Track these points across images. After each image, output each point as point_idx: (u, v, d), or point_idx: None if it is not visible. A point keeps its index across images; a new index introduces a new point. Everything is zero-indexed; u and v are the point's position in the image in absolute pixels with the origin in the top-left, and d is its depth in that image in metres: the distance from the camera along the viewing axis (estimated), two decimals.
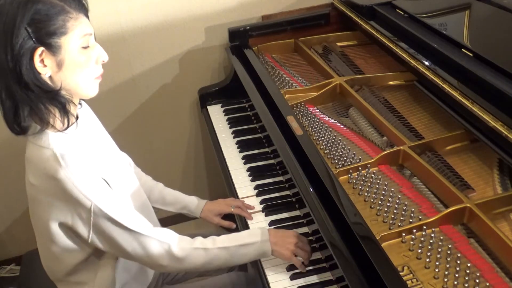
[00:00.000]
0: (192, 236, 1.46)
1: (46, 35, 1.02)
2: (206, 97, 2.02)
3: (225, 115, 1.93)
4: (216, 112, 1.96)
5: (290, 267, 1.29)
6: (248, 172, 1.64)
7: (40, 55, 1.03)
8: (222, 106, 1.99)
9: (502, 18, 1.52)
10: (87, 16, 1.10)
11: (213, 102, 2.02)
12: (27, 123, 1.08)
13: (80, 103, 1.22)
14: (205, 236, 1.63)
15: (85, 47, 1.08)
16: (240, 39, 1.96)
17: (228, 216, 1.53)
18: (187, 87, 2.14)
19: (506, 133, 1.13)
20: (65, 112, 1.10)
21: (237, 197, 1.55)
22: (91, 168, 1.11)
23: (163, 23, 1.98)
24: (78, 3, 1.07)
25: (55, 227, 1.15)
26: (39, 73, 1.04)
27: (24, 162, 1.13)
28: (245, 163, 1.68)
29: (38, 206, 1.14)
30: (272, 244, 1.25)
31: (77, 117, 1.16)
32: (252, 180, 1.60)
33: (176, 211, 1.54)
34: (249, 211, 1.48)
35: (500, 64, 1.27)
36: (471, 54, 1.37)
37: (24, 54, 1.01)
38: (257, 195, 1.54)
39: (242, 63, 1.86)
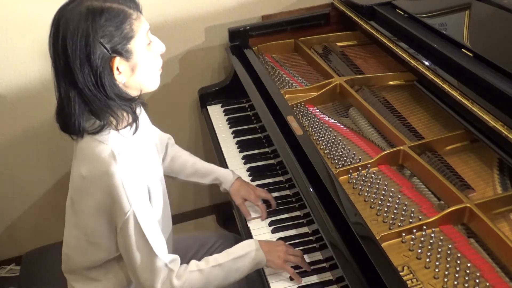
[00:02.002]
0: (192, 236, 1.46)
1: (119, 44, 1.06)
2: (206, 97, 2.02)
3: (225, 115, 1.93)
4: (216, 112, 1.96)
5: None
6: (248, 172, 1.64)
7: (117, 63, 1.06)
8: (222, 106, 1.99)
9: (502, 18, 1.52)
10: (141, 12, 1.13)
11: (213, 102, 2.02)
12: (90, 123, 1.11)
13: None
14: (205, 237, 1.64)
15: (148, 44, 1.12)
16: (240, 39, 1.96)
17: (228, 218, 1.53)
18: (187, 87, 2.14)
19: (506, 133, 1.13)
20: (135, 117, 1.14)
21: None
22: (140, 174, 1.14)
23: (163, 23, 1.98)
24: (134, 2, 1.11)
25: (92, 221, 1.17)
26: (117, 81, 1.08)
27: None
28: (245, 163, 1.68)
29: (82, 198, 1.16)
30: (265, 253, 1.25)
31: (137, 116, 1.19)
32: (252, 180, 1.60)
33: (209, 182, 1.55)
34: (254, 215, 1.47)
35: (500, 64, 1.27)
36: (471, 54, 1.37)
37: (104, 68, 1.05)
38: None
39: (242, 63, 1.86)
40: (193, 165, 1.55)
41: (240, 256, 1.24)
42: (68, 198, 1.24)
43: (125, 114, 1.14)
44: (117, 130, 1.13)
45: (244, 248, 1.25)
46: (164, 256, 1.18)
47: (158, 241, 1.17)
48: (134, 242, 1.14)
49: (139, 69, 1.11)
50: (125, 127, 1.15)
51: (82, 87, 1.05)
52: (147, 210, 1.15)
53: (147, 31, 1.12)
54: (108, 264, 1.26)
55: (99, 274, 1.27)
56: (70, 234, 1.28)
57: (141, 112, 1.25)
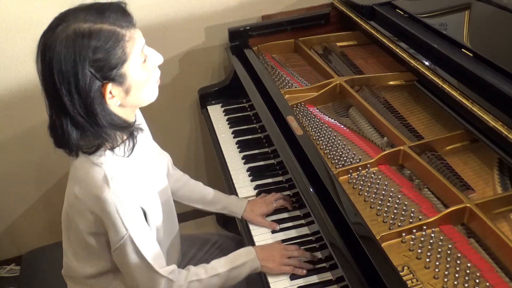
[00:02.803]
0: (192, 236, 1.46)
1: (110, 70, 0.99)
2: (206, 97, 2.02)
3: (225, 115, 1.93)
4: (216, 112, 1.96)
5: None
6: (248, 172, 1.64)
7: (109, 90, 1.00)
8: (222, 106, 1.99)
9: (502, 18, 1.52)
10: (135, 25, 1.05)
11: (213, 102, 2.01)
12: (88, 144, 1.06)
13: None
14: (205, 237, 1.63)
15: (144, 61, 1.06)
16: (240, 39, 1.95)
17: (230, 218, 1.53)
18: (187, 87, 2.14)
19: (506, 133, 1.13)
20: (132, 139, 1.10)
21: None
22: (135, 196, 1.11)
23: (163, 23, 1.98)
24: (126, 17, 1.03)
25: (87, 237, 1.16)
26: (110, 106, 1.02)
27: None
28: (245, 163, 1.68)
29: (76, 216, 1.14)
30: (260, 261, 1.26)
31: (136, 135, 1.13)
32: (252, 180, 1.60)
33: (217, 211, 1.52)
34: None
35: (500, 64, 1.27)
36: (471, 54, 1.37)
37: (95, 97, 0.98)
38: (257, 195, 1.54)
39: (242, 63, 1.86)
40: (200, 191, 1.52)
41: (237, 266, 1.25)
42: (63, 209, 1.21)
43: (125, 137, 1.10)
44: (113, 150, 1.09)
45: (241, 257, 1.27)
46: (163, 269, 1.17)
47: (156, 257, 1.17)
48: (132, 262, 1.14)
49: (135, 90, 1.05)
50: (120, 144, 1.10)
51: (73, 114, 1.00)
52: (143, 230, 1.14)
53: (142, 48, 1.04)
54: (107, 275, 1.25)
55: (98, 283, 1.27)
56: (67, 245, 1.27)
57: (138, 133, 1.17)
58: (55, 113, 1.04)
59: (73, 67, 0.95)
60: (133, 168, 1.15)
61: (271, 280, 1.27)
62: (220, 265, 1.26)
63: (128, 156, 1.11)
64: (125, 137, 1.10)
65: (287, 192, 1.53)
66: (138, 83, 1.05)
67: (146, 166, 1.23)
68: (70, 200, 1.15)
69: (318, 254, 1.31)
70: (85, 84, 0.97)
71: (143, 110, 2.12)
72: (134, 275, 1.16)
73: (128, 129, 1.08)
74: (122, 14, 1.02)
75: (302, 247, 1.32)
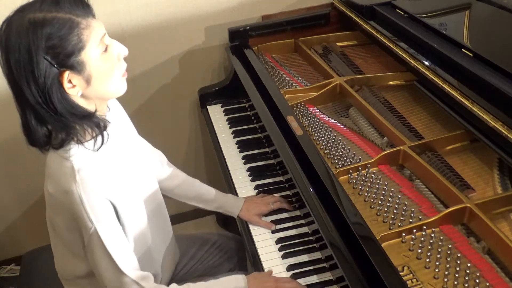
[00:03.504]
0: (192, 236, 1.46)
1: (66, 57, 0.98)
2: (206, 97, 2.02)
3: (225, 115, 1.93)
4: (216, 112, 1.96)
5: (290, 267, 1.29)
6: (248, 172, 1.64)
7: (67, 78, 1.00)
8: (222, 106, 1.99)
9: (502, 18, 1.52)
10: (94, 15, 1.04)
11: (213, 102, 2.01)
12: (57, 140, 1.06)
13: (108, 107, 1.18)
14: (205, 237, 1.63)
15: (105, 51, 1.04)
16: (240, 39, 1.95)
17: (230, 218, 1.53)
18: (187, 87, 2.14)
19: (506, 133, 1.13)
20: (98, 130, 1.08)
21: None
22: (104, 189, 1.09)
23: (163, 23, 1.98)
24: (83, 6, 1.02)
25: (67, 235, 1.15)
26: (70, 95, 1.02)
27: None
28: (245, 163, 1.68)
29: (53, 213, 1.15)
30: None
31: (105, 127, 1.11)
32: (252, 180, 1.60)
33: (213, 209, 1.52)
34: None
35: (500, 64, 1.27)
36: (471, 54, 1.37)
37: (52, 85, 0.98)
38: (257, 195, 1.54)
39: (242, 63, 1.86)
40: (196, 189, 1.51)
41: None
42: (46, 211, 1.21)
43: (90, 129, 1.07)
44: (81, 143, 1.07)
45: (231, 283, 1.23)
46: (132, 273, 1.14)
47: (125, 258, 1.14)
48: (99, 260, 1.11)
49: (96, 79, 1.03)
50: (90, 140, 1.09)
51: (34, 105, 0.99)
52: (111, 227, 1.11)
53: (101, 37, 1.03)
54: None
55: (92, 281, 1.26)
56: (54, 246, 1.27)
57: (109, 110, 1.18)
58: (20, 109, 1.04)
59: (28, 55, 0.95)
60: (106, 162, 1.12)
61: None
62: (206, 286, 1.22)
63: (97, 150, 1.09)
64: (93, 131, 1.08)
65: (287, 192, 1.53)
66: (99, 73, 1.04)
67: (125, 163, 1.20)
68: (47, 199, 1.15)
69: (318, 254, 1.31)
70: (42, 72, 0.96)
71: (144, 110, 2.14)
72: (102, 276, 1.13)
73: (91, 119, 1.06)
74: (78, 4, 1.02)
75: (302, 247, 1.32)
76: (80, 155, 1.07)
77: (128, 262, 1.14)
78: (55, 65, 0.97)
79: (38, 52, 0.95)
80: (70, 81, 1.01)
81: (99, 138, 1.09)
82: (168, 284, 1.22)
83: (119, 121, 1.26)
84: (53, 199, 1.10)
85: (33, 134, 1.05)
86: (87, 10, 1.03)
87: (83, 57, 1.00)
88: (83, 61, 1.00)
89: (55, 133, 1.05)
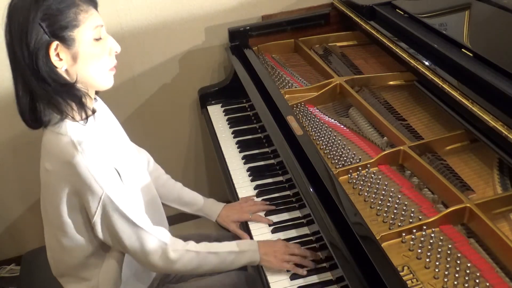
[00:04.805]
0: (192, 235, 1.45)
1: (60, 29, 1.05)
2: (206, 97, 2.02)
3: (225, 115, 1.93)
4: (216, 112, 1.96)
5: None
6: (248, 172, 1.64)
7: (55, 49, 1.06)
8: (222, 106, 1.99)
9: (502, 18, 1.52)
10: (96, 9, 1.12)
11: (213, 102, 2.01)
12: (46, 117, 1.11)
13: (95, 98, 1.24)
14: (204, 236, 1.63)
15: (97, 39, 1.11)
16: (240, 39, 1.96)
17: None
18: (187, 87, 2.14)
19: (506, 133, 1.13)
20: (81, 104, 1.13)
21: (237, 198, 1.55)
22: (106, 158, 1.14)
23: (163, 23, 1.98)
24: None
25: (65, 216, 1.17)
26: (55, 67, 1.07)
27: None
28: (245, 163, 1.68)
29: (51, 193, 1.17)
30: (262, 254, 1.27)
31: (94, 111, 1.19)
32: (252, 180, 1.60)
33: (193, 212, 1.54)
34: (261, 213, 1.47)
35: (500, 64, 1.27)
36: (471, 54, 1.37)
37: (40, 49, 1.04)
38: (257, 195, 1.54)
39: (242, 63, 1.86)
40: (177, 190, 1.53)
41: (238, 251, 1.27)
42: (41, 198, 1.24)
43: (73, 103, 1.12)
44: (76, 121, 1.13)
45: (244, 246, 1.28)
46: (151, 229, 1.19)
47: (140, 216, 1.18)
48: (116, 223, 1.15)
49: (82, 60, 1.09)
50: (85, 118, 1.15)
51: (22, 68, 1.05)
52: (120, 189, 1.15)
53: (97, 25, 1.10)
54: (96, 260, 1.26)
55: (87, 273, 1.27)
56: (50, 235, 1.28)
57: (97, 101, 1.25)
58: (13, 75, 1.10)
59: (26, 19, 1.02)
60: (100, 138, 1.18)
61: (271, 280, 1.26)
62: (220, 246, 1.27)
63: (86, 122, 1.14)
64: (74, 105, 1.12)
65: (287, 192, 1.53)
66: (86, 54, 1.09)
67: (118, 152, 1.24)
68: (43, 180, 1.18)
69: (319, 254, 1.31)
70: (34, 37, 1.02)
71: (144, 110, 2.14)
72: (121, 238, 1.16)
73: (73, 90, 1.10)
74: None
75: (303, 247, 1.32)
76: (76, 131, 1.12)
77: (144, 219, 1.19)
78: (48, 33, 1.04)
79: (35, 18, 1.02)
80: (58, 55, 1.07)
81: (84, 111, 1.14)
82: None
83: (106, 114, 1.31)
84: (53, 175, 1.13)
85: (20, 107, 1.12)
86: (91, 1, 1.11)
87: (75, 34, 1.07)
88: (74, 38, 1.07)
89: (42, 107, 1.10)
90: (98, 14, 1.12)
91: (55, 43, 1.05)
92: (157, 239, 1.19)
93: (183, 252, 1.22)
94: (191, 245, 1.25)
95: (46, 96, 1.08)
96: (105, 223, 1.16)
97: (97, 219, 1.15)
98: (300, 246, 1.31)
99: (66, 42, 1.06)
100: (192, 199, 1.53)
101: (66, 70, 1.10)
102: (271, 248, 1.29)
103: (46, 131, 1.14)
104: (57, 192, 1.14)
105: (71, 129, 1.11)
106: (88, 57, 1.10)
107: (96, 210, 1.13)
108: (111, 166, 1.15)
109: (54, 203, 1.17)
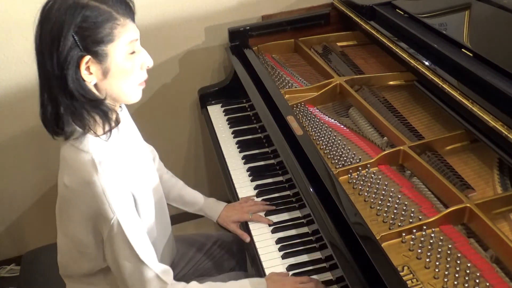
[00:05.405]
0: (192, 236, 1.45)
1: (93, 43, 1.01)
2: (206, 97, 2.02)
3: (225, 115, 1.93)
4: (216, 112, 1.96)
5: (290, 267, 1.29)
6: (248, 172, 1.64)
7: (86, 63, 1.02)
8: (222, 106, 1.99)
9: (502, 18, 1.52)
10: (133, 20, 1.08)
11: (213, 102, 2.01)
12: (69, 128, 1.07)
13: (121, 106, 1.20)
14: (205, 237, 1.63)
15: (131, 53, 1.07)
16: (240, 39, 1.96)
17: None
18: (187, 87, 2.14)
19: (506, 133, 1.13)
20: (107, 120, 1.09)
21: (237, 198, 1.55)
22: (123, 180, 1.11)
23: (163, 23, 1.98)
24: (126, 7, 1.06)
25: (79, 231, 1.15)
26: (84, 81, 1.03)
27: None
28: (245, 163, 1.68)
29: (67, 207, 1.14)
30: None
31: (118, 122, 1.14)
32: (252, 180, 1.60)
33: (194, 212, 1.53)
34: (261, 213, 1.47)
35: (500, 64, 1.27)
36: (471, 54, 1.37)
37: (70, 62, 1.00)
38: (257, 195, 1.54)
39: (242, 63, 1.86)
40: (178, 189, 1.52)
41: None
42: (56, 204, 1.21)
43: (98, 117, 1.09)
44: (97, 135, 1.10)
45: (250, 285, 1.22)
46: (154, 265, 1.15)
47: (146, 250, 1.14)
48: (120, 251, 1.11)
49: (113, 76, 1.06)
50: (109, 134, 1.11)
51: (50, 77, 1.02)
52: (132, 218, 1.12)
53: (132, 40, 1.07)
54: (104, 271, 1.24)
55: (94, 279, 1.26)
56: (61, 241, 1.27)
57: (122, 110, 1.21)
58: (39, 82, 1.07)
59: (59, 28, 0.98)
60: (122, 156, 1.15)
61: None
62: (226, 286, 1.22)
63: (108, 139, 1.11)
64: (98, 119, 1.09)
65: (287, 192, 1.53)
66: (118, 69, 1.06)
67: (136, 159, 1.22)
68: (61, 192, 1.15)
69: (318, 254, 1.31)
70: (66, 47, 0.99)
71: (144, 109, 2.14)
72: (122, 268, 1.13)
73: (99, 106, 1.07)
74: (122, 3, 1.06)
75: (302, 247, 1.32)
76: (98, 148, 1.09)
77: (149, 254, 1.15)
78: (80, 47, 1.00)
79: (69, 28, 0.98)
80: (88, 68, 1.03)
81: (109, 127, 1.11)
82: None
83: (128, 119, 1.29)
84: (70, 192, 1.10)
85: (43, 115, 1.08)
86: (129, 12, 1.07)
87: (109, 49, 1.03)
88: (107, 53, 1.03)
89: (65, 118, 1.06)
90: (134, 27, 1.08)
91: (87, 58, 1.01)
92: (158, 277, 1.15)
93: None
94: (193, 284, 1.20)
95: (71, 109, 1.04)
96: (110, 247, 1.13)
97: (106, 242, 1.13)
98: (311, 278, 1.24)
99: (98, 57, 1.02)
100: (193, 199, 1.53)
101: (95, 85, 1.06)
102: (281, 282, 1.22)
103: (67, 144, 1.10)
104: (73, 208, 1.13)
105: (92, 146, 1.08)
106: (119, 72, 1.06)
107: (106, 234, 1.11)
108: (127, 190, 1.12)
109: (70, 217, 1.15)
